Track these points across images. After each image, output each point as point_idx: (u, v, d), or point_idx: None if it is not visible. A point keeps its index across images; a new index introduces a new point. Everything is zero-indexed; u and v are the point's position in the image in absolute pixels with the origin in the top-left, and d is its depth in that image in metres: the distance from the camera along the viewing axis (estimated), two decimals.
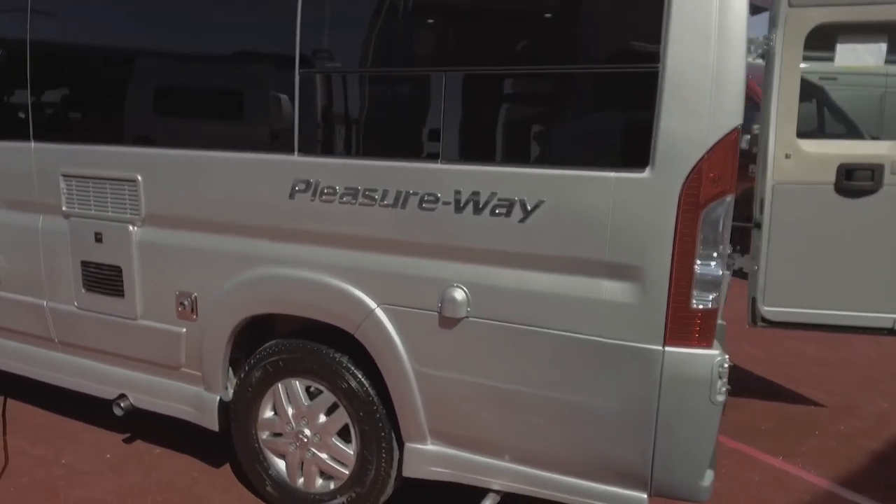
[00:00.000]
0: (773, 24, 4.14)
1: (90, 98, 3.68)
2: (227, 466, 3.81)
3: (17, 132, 3.77)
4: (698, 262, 2.46)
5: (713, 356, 2.50)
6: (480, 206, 2.71)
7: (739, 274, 4.54)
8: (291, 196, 3.05)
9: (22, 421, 4.33)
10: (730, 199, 2.43)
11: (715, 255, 2.47)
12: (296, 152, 3.03)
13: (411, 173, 2.82)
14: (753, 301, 4.38)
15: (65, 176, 3.66)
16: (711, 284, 2.48)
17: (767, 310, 4.34)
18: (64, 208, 3.69)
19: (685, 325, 2.50)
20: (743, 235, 5.14)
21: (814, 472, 3.96)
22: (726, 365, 2.52)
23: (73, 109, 3.78)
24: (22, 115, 3.76)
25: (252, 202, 3.16)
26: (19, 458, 3.93)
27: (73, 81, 3.72)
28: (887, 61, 4.22)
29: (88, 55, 3.67)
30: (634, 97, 2.49)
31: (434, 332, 2.87)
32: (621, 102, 2.55)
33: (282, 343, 3.29)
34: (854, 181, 4.12)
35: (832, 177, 4.14)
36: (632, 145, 2.49)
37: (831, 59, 4.27)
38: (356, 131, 2.99)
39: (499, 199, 2.68)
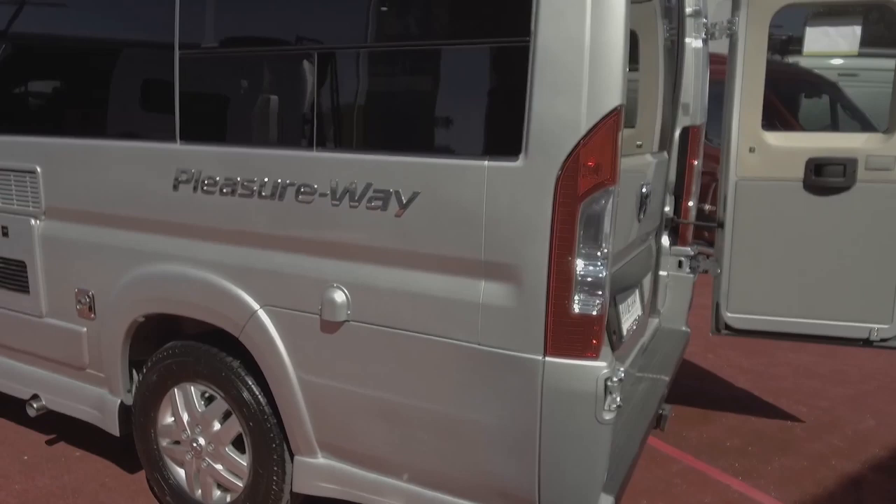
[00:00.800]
0: (735, 5, 3.81)
1: None
2: (143, 473, 3.62)
3: None
4: (579, 261, 2.18)
5: (599, 368, 2.21)
6: (357, 198, 2.47)
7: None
8: (175, 187, 2.85)
9: None
10: (613, 189, 2.14)
11: (598, 254, 2.18)
12: (178, 140, 2.83)
13: (287, 162, 2.59)
14: (717, 307, 4.04)
15: None
16: (595, 287, 2.19)
17: (731, 316, 4.00)
18: None
19: (566, 334, 2.21)
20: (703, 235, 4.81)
21: (774, 494, 3.61)
22: (616, 379, 2.23)
23: None
24: None
25: (139, 194, 2.97)
26: None
27: None
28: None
29: None
30: (504, 76, 2.21)
31: (316, 337, 2.64)
32: (492, 82, 2.26)
33: (176, 345, 3.09)
34: (824, 177, 3.76)
35: (800, 172, 3.79)
36: (504, 130, 2.21)
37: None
38: (235, 117, 2.76)
39: (374, 191, 2.43)
